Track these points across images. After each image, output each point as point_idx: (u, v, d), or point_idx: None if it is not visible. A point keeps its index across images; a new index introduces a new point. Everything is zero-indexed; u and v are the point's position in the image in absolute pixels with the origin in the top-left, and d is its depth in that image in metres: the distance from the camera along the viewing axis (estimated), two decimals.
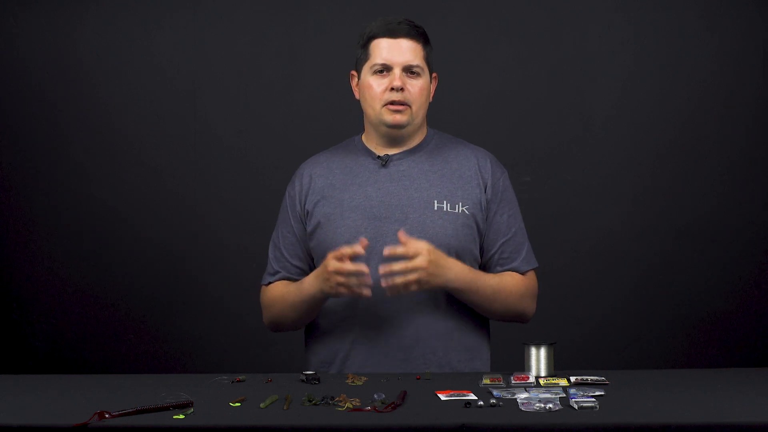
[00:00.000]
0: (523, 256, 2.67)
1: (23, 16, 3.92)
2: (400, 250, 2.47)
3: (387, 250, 2.47)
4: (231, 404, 2.07)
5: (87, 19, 3.94)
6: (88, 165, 3.94)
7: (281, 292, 2.67)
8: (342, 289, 2.49)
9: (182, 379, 2.43)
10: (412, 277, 2.46)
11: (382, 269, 2.45)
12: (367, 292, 2.48)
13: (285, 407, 2.04)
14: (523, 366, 2.36)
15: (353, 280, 2.47)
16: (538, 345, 2.35)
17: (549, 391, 2.15)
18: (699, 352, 3.90)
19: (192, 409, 1.99)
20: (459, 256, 2.58)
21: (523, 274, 2.66)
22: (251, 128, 3.95)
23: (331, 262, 2.48)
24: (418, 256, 2.46)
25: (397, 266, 2.46)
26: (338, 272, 2.47)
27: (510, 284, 2.63)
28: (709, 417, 1.95)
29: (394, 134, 2.65)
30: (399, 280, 2.46)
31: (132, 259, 3.94)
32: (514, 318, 2.67)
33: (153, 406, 2.00)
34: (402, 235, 2.49)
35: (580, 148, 3.93)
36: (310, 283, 2.58)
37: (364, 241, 2.49)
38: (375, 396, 2.08)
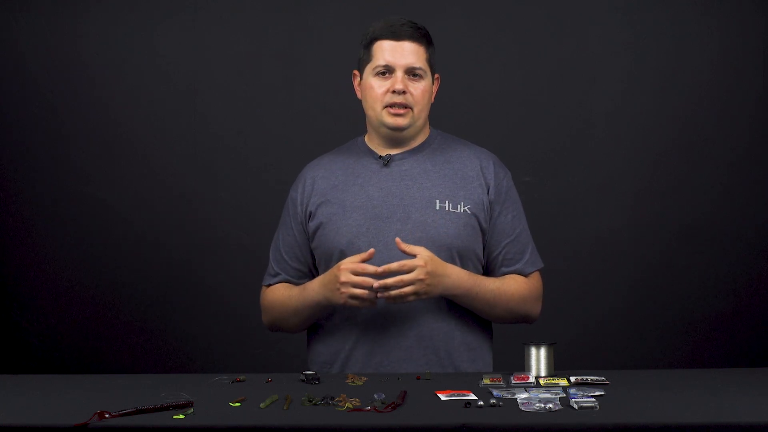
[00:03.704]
0: (527, 257, 2.66)
1: (23, 16, 3.92)
2: (394, 266, 2.45)
3: (381, 268, 2.45)
4: (231, 404, 2.07)
5: (87, 19, 3.94)
6: (88, 165, 3.94)
7: (283, 296, 2.67)
8: (353, 302, 2.49)
9: (182, 379, 2.43)
10: (408, 289, 2.46)
11: (377, 285, 2.45)
12: (375, 304, 2.49)
13: (285, 407, 2.04)
14: (523, 366, 2.36)
15: (365, 293, 2.46)
16: (538, 345, 2.35)
17: (549, 391, 2.15)
18: (699, 352, 3.90)
19: (192, 409, 1.99)
20: (461, 255, 2.58)
21: (527, 275, 2.66)
22: (251, 128, 3.95)
23: (344, 274, 2.47)
24: (415, 268, 2.46)
25: (391, 281, 2.45)
26: (352, 284, 2.47)
27: (512, 288, 2.62)
28: (709, 417, 1.95)
29: (394, 136, 2.64)
30: (394, 293, 2.46)
31: (132, 258, 3.94)
32: (518, 320, 2.67)
33: (153, 406, 2.00)
34: (400, 243, 2.48)
35: (580, 148, 3.93)
36: (315, 290, 2.58)
37: (373, 251, 2.48)
38: (375, 396, 2.08)
